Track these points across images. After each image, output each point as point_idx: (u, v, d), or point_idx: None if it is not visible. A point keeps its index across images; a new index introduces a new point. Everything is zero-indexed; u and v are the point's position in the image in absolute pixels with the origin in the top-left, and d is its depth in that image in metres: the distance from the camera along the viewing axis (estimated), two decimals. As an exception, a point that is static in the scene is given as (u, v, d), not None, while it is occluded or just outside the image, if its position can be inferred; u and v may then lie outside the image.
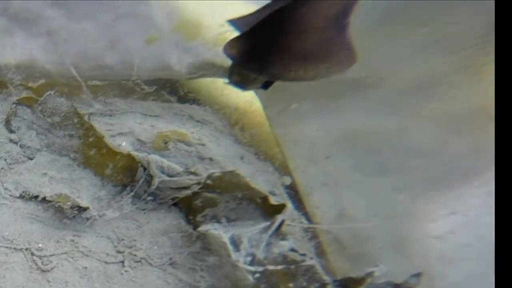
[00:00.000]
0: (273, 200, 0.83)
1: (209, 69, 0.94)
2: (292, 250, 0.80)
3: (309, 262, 0.79)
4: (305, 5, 0.71)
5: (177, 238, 0.87)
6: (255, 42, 0.76)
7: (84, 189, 0.89)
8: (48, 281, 0.83)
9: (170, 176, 0.85)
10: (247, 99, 0.97)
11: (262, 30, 0.75)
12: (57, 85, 0.92)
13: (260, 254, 0.79)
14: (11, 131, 0.93)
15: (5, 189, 0.89)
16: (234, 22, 0.78)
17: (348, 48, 0.72)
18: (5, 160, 0.91)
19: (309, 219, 0.90)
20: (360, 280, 0.76)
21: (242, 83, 0.85)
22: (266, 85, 0.85)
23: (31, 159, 0.91)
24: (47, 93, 0.89)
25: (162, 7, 0.85)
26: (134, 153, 0.87)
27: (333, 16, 0.70)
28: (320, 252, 0.87)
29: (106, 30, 0.88)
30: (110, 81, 0.94)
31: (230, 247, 0.80)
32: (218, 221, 0.85)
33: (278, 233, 0.82)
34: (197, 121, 0.96)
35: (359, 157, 0.84)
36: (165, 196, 0.88)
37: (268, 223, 0.82)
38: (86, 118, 0.89)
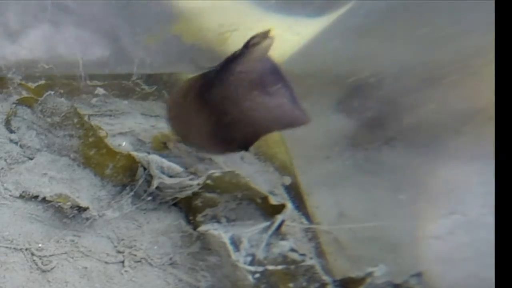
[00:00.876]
0: (273, 200, 0.83)
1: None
2: (292, 250, 0.80)
3: (309, 262, 0.79)
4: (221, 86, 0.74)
5: (177, 238, 0.87)
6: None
7: (84, 189, 0.89)
8: (48, 281, 0.83)
9: (170, 176, 0.85)
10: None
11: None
12: (57, 85, 0.92)
13: (260, 254, 0.79)
14: (11, 131, 0.93)
15: (5, 189, 0.89)
16: None
17: (292, 110, 0.74)
18: (5, 160, 0.91)
19: (309, 219, 0.90)
20: (360, 280, 0.76)
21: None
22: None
23: (31, 159, 0.91)
24: (47, 93, 0.89)
25: (162, 7, 0.85)
26: (134, 153, 0.87)
27: (250, 88, 0.73)
28: (320, 252, 0.87)
29: (106, 30, 0.88)
30: (110, 81, 0.94)
31: (230, 247, 0.80)
32: (218, 221, 0.85)
33: (278, 233, 0.82)
34: (197, 121, 0.96)
35: (359, 157, 0.84)
36: (165, 196, 0.88)
37: (268, 223, 0.82)
38: (86, 118, 0.89)
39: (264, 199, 0.83)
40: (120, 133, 0.95)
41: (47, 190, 0.88)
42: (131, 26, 0.87)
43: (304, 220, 0.90)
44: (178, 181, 0.84)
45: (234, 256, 0.79)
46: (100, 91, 0.94)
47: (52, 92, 0.90)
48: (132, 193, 0.87)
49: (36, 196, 0.87)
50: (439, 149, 0.74)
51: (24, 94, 0.92)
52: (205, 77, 0.78)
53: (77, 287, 0.83)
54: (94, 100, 0.96)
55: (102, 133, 0.89)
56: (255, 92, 0.73)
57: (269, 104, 0.73)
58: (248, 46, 0.72)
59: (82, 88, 0.93)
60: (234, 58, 0.73)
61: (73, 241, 0.86)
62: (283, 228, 0.82)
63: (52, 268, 0.84)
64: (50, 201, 0.86)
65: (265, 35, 0.71)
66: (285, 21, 0.86)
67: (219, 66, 0.75)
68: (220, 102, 0.75)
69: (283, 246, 0.81)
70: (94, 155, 0.89)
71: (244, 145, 0.79)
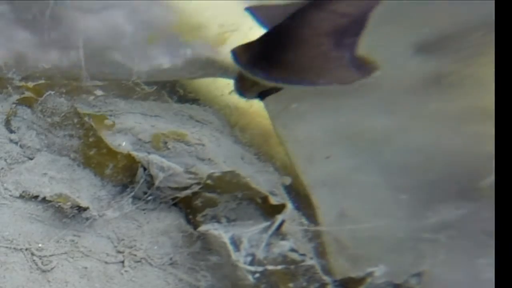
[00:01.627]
0: (273, 200, 0.83)
1: (209, 69, 0.94)
2: (292, 250, 0.80)
3: (309, 262, 0.79)
4: (301, 18, 0.71)
5: (177, 238, 0.87)
6: (263, 51, 0.76)
7: (84, 189, 0.89)
8: (48, 281, 0.83)
9: (170, 176, 0.85)
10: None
11: (271, 37, 0.75)
12: (57, 85, 0.92)
13: (260, 254, 0.79)
14: (11, 131, 0.93)
15: (5, 189, 0.88)
16: (252, 11, 0.78)
17: (347, 67, 0.72)
18: (5, 160, 0.91)
19: (309, 219, 0.90)
20: (360, 280, 0.76)
21: (242, 90, 0.85)
22: (262, 96, 0.86)
23: (31, 159, 0.91)
24: (47, 93, 0.89)
25: (162, 7, 0.85)
26: (134, 153, 0.87)
27: (326, 33, 0.70)
28: (320, 252, 0.87)
29: (106, 30, 0.88)
30: (110, 81, 0.94)
31: (230, 247, 0.80)
32: (218, 221, 0.85)
33: (278, 233, 0.82)
34: (197, 121, 0.96)
35: (359, 157, 0.84)
36: (165, 196, 0.88)
37: (268, 223, 0.82)
38: (86, 118, 0.89)
39: (264, 199, 0.83)
40: (120, 133, 0.95)
41: (47, 190, 0.88)
42: (131, 25, 0.87)
43: (304, 220, 0.90)
44: (178, 181, 0.84)
45: (234, 256, 0.79)
46: (99, 92, 0.93)
47: (52, 92, 0.90)
48: (132, 193, 0.87)
49: (36, 196, 0.87)
50: (439, 149, 0.74)
51: (24, 94, 0.92)
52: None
53: (77, 287, 0.83)
54: (94, 100, 0.96)
55: (108, 122, 0.89)
56: (327, 39, 0.70)
57: (333, 54, 0.71)
58: None
59: (82, 88, 0.93)
60: None
61: (73, 241, 0.86)
62: (283, 228, 0.82)
63: (52, 268, 0.84)
64: (50, 201, 0.86)
65: None
66: (285, 21, 0.86)
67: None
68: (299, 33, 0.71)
69: (283, 246, 0.81)
70: (94, 155, 0.89)
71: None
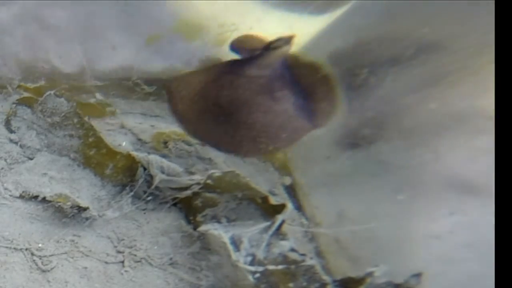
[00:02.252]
0: (273, 200, 0.83)
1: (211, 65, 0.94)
2: (292, 250, 0.80)
3: (309, 262, 0.79)
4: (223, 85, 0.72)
5: (177, 238, 0.87)
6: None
7: (84, 189, 0.89)
8: (48, 281, 0.83)
9: (170, 176, 0.85)
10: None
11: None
12: (57, 85, 0.92)
13: (260, 254, 0.79)
14: (11, 131, 0.93)
15: (5, 189, 0.89)
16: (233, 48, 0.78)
17: (296, 119, 0.72)
18: (5, 160, 0.91)
19: (309, 219, 0.90)
20: (360, 280, 0.76)
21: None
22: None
23: (31, 159, 0.91)
24: (47, 93, 0.89)
25: (162, 7, 0.85)
26: (134, 153, 0.87)
27: (255, 93, 0.71)
28: (320, 252, 0.87)
29: (106, 30, 0.88)
30: (110, 81, 0.94)
31: (230, 247, 0.80)
32: (218, 221, 0.85)
33: (278, 233, 0.82)
34: (197, 121, 0.96)
35: (359, 157, 0.84)
36: (165, 196, 0.88)
37: (268, 223, 0.82)
38: (86, 118, 0.89)
39: (264, 199, 0.83)
40: (120, 133, 0.95)
41: (47, 190, 0.88)
42: (131, 26, 0.87)
43: (304, 220, 0.90)
44: (178, 181, 0.85)
45: (234, 256, 0.79)
46: (98, 96, 0.94)
47: (52, 92, 0.90)
48: (132, 193, 0.87)
49: (36, 196, 0.87)
50: (439, 149, 0.74)
51: (24, 94, 0.92)
52: (210, 74, 0.75)
53: (77, 287, 0.83)
54: (93, 100, 0.96)
55: (111, 109, 0.89)
56: (263, 96, 0.71)
57: (275, 109, 0.71)
58: (268, 48, 0.70)
59: (82, 88, 0.93)
60: (249, 59, 0.71)
61: (73, 241, 0.86)
62: (283, 228, 0.82)
63: (52, 268, 0.84)
64: (50, 201, 0.86)
65: (288, 40, 0.69)
66: (286, 21, 0.86)
67: (227, 66, 0.72)
68: (229, 103, 0.72)
69: (283, 246, 0.81)
70: (94, 155, 0.89)
71: (253, 152, 0.76)
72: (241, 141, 0.75)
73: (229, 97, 0.72)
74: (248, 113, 0.72)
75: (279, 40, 0.69)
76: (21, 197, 0.88)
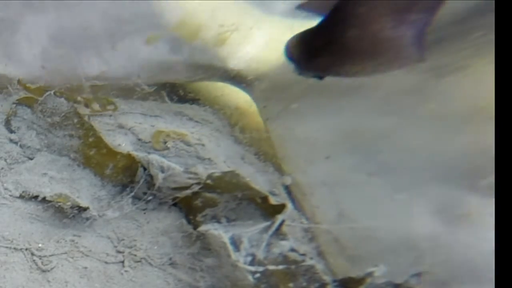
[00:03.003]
0: (273, 200, 0.83)
1: (208, 69, 0.94)
2: (292, 250, 0.80)
3: (309, 262, 0.79)
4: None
5: (177, 238, 0.87)
6: (317, 40, 0.72)
7: (84, 189, 0.89)
8: (48, 281, 0.83)
9: (170, 176, 0.85)
10: (247, 99, 0.97)
11: (325, 25, 0.72)
12: (57, 85, 0.92)
13: (260, 254, 0.79)
14: (11, 131, 0.93)
15: (5, 189, 0.89)
16: (304, 7, 0.76)
17: (405, 46, 0.67)
18: (5, 160, 0.91)
19: (309, 219, 0.90)
20: (360, 280, 0.76)
21: (299, 63, 0.76)
22: (321, 76, 0.80)
23: (31, 159, 0.91)
24: (47, 93, 0.89)
25: (162, 7, 0.85)
26: (134, 153, 0.87)
27: (386, 10, 0.66)
28: (320, 252, 0.87)
29: (106, 30, 0.88)
30: (110, 81, 0.94)
31: (230, 247, 0.80)
32: (218, 221, 0.85)
33: (278, 233, 0.82)
34: (197, 121, 0.96)
35: (359, 157, 0.84)
36: (165, 196, 0.88)
37: (268, 223, 0.82)
38: (86, 118, 0.89)
39: (264, 199, 0.83)
40: (120, 133, 0.95)
41: (47, 190, 0.88)
42: (131, 26, 0.87)
43: (304, 220, 0.90)
44: (178, 181, 0.85)
45: (234, 256, 0.79)
46: (100, 91, 0.93)
47: (52, 92, 0.90)
48: (132, 193, 0.87)
49: (36, 196, 0.87)
50: (438, 149, 0.74)
51: (24, 94, 0.92)
52: None
53: (77, 287, 0.83)
54: (94, 100, 0.96)
55: (112, 105, 0.89)
56: (392, 15, 0.65)
57: (396, 33, 0.66)
58: None
59: (82, 88, 0.93)
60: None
61: (73, 241, 0.86)
62: (283, 228, 0.82)
63: (52, 268, 0.84)
64: (50, 201, 0.86)
65: None
66: (286, 21, 0.86)
67: None
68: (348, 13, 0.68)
69: (283, 246, 0.81)
70: (94, 155, 0.89)
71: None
72: (347, 61, 0.72)
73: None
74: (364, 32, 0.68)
75: None
76: (21, 197, 0.88)
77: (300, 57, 0.73)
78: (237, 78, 0.96)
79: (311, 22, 0.83)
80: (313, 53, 0.73)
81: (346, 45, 0.69)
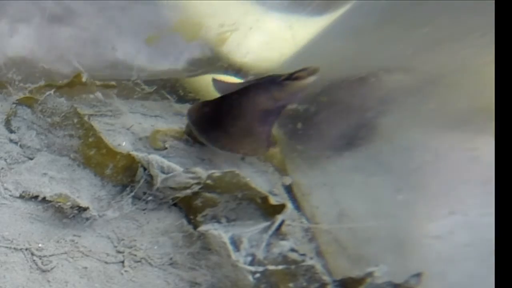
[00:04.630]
0: (273, 200, 0.83)
1: (208, 69, 0.94)
2: (292, 250, 0.80)
3: (309, 262, 0.79)
4: (246, 95, 0.85)
5: (177, 238, 0.87)
6: (211, 114, 0.89)
7: (84, 189, 0.89)
8: (48, 281, 0.83)
9: (170, 176, 0.85)
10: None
11: (220, 103, 0.88)
12: (57, 85, 0.92)
13: (260, 254, 0.79)
14: (11, 131, 0.93)
15: (5, 189, 0.89)
16: (216, 84, 0.91)
17: (263, 140, 0.87)
18: (5, 160, 0.91)
19: (309, 219, 0.90)
20: (360, 280, 0.76)
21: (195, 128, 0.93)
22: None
23: (31, 159, 0.91)
24: (47, 93, 0.89)
25: (162, 7, 0.85)
26: (134, 153, 0.87)
27: (260, 110, 0.84)
28: (320, 252, 0.87)
29: (106, 30, 0.88)
30: (110, 81, 0.94)
31: (230, 247, 0.80)
32: (218, 221, 0.85)
33: (278, 233, 0.82)
34: (197, 121, 0.96)
35: (359, 157, 0.84)
36: (165, 196, 0.88)
37: (268, 223, 0.82)
38: (86, 118, 0.89)
39: (264, 199, 0.83)
40: (120, 133, 0.95)
41: (47, 190, 0.88)
42: (131, 26, 0.87)
43: (304, 220, 0.90)
44: (178, 181, 0.84)
45: (234, 256, 0.79)
46: (99, 95, 0.94)
47: (52, 92, 0.90)
48: (132, 193, 0.87)
49: (36, 196, 0.87)
50: (439, 149, 0.74)
51: (24, 94, 0.92)
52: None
53: (77, 287, 0.83)
54: (94, 100, 0.96)
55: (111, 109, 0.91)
56: (260, 115, 0.85)
57: (258, 128, 0.86)
58: (291, 78, 0.78)
59: (82, 88, 0.93)
60: (271, 81, 0.81)
61: (73, 241, 0.86)
62: (283, 228, 0.82)
63: (52, 268, 0.84)
64: (50, 201, 0.86)
65: (312, 72, 0.77)
66: (286, 21, 0.86)
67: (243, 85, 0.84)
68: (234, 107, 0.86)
69: (283, 246, 0.81)
70: (94, 155, 0.89)
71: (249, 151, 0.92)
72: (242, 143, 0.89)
73: (237, 100, 0.86)
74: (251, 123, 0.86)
75: (303, 70, 0.78)
76: (21, 197, 0.88)
77: (196, 123, 0.90)
78: (238, 76, 0.97)
79: (311, 21, 0.83)
80: (206, 124, 0.90)
81: (229, 128, 0.87)
